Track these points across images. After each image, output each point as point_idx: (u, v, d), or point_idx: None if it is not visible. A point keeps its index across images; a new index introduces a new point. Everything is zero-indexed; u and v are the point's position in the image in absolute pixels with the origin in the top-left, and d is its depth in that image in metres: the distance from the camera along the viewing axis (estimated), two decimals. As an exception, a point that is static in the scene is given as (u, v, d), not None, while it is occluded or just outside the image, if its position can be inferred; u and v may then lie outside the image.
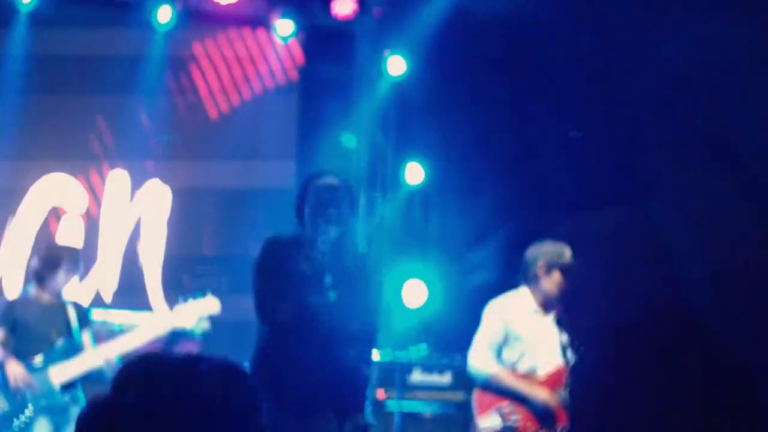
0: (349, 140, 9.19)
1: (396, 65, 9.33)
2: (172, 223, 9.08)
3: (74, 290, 7.09)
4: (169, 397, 1.42)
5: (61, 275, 6.56)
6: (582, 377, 1.41)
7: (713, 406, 1.32)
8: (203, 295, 6.82)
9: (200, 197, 9.20)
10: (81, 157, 8.95)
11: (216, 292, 6.88)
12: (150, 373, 1.47)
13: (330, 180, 4.78)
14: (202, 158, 9.26)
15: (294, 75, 9.48)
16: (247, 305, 7.67)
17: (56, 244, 7.13)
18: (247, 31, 9.44)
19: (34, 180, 8.80)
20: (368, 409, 4.78)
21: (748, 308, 7.31)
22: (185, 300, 6.80)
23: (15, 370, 6.35)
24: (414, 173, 9.35)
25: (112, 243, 8.95)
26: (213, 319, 6.97)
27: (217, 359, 1.51)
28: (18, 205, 8.76)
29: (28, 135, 8.84)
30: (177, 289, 8.44)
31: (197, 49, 9.34)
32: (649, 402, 1.32)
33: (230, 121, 9.38)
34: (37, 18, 8.70)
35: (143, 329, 6.75)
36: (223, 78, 9.42)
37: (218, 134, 9.35)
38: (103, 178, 8.99)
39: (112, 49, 9.00)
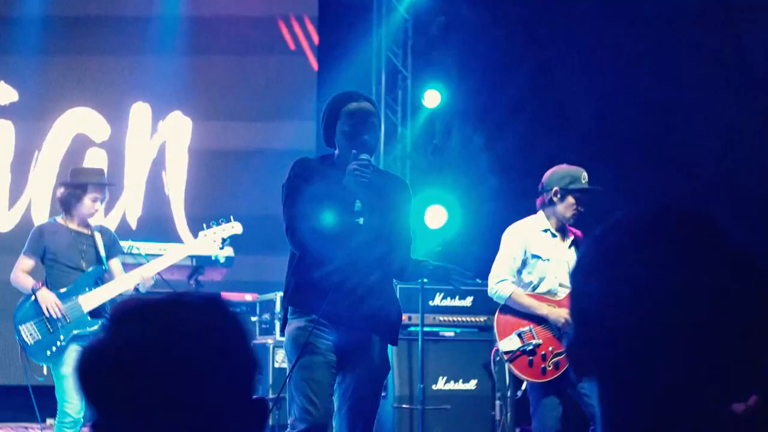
0: None
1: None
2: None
3: (101, 220, 7.17)
4: (160, 327, 1.51)
5: (87, 199, 6.50)
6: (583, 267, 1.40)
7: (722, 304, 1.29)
8: (227, 220, 6.91)
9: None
10: (104, 94, 9.05)
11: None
12: (141, 308, 1.56)
13: (363, 104, 4.67)
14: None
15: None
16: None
17: (80, 168, 7.01)
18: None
19: (60, 111, 8.93)
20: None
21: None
22: (209, 226, 6.90)
23: (48, 298, 6.36)
24: (432, 97, 9.35)
25: (136, 174, 9.06)
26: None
27: (202, 293, 1.61)
28: (44, 138, 8.91)
29: (51, 91, 8.97)
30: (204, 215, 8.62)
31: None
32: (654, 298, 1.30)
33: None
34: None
35: (168, 254, 6.82)
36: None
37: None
38: (125, 111, 9.09)
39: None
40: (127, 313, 1.56)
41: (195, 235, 7.07)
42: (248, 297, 7.93)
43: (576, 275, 1.40)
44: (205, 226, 6.91)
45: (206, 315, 1.56)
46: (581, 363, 1.37)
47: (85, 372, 1.53)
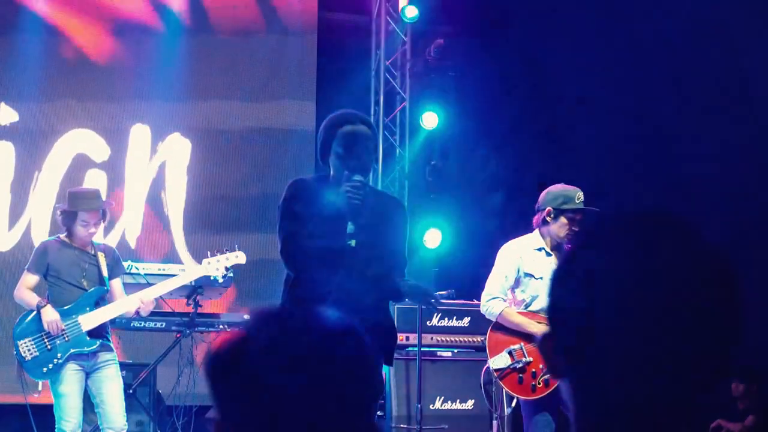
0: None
1: (410, 11, 9.41)
2: (194, 165, 9.23)
3: (102, 241, 7.19)
4: (294, 335, 1.56)
5: (79, 223, 6.51)
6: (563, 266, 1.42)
7: (690, 308, 1.29)
8: (232, 250, 6.94)
9: (221, 138, 9.33)
10: (104, 115, 9.12)
11: (239, 230, 7.01)
12: (279, 315, 1.62)
13: (357, 126, 4.62)
14: (221, 99, 9.37)
15: (312, 20, 9.58)
16: (269, 243, 7.78)
17: (75, 191, 6.92)
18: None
19: (60, 133, 9.00)
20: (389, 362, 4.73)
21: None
22: (214, 254, 6.93)
23: (51, 317, 6.39)
24: (430, 119, 9.43)
25: (135, 194, 9.12)
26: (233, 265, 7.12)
27: (339, 317, 1.68)
28: (44, 159, 8.97)
29: (51, 113, 9.06)
30: (202, 234, 8.68)
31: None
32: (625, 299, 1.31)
33: (250, 62, 9.47)
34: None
35: (170, 280, 6.85)
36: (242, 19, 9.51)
37: (238, 75, 9.44)
38: (125, 133, 9.17)
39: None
40: (267, 319, 1.60)
41: (195, 256, 7.12)
42: (246, 316, 7.95)
43: (551, 279, 1.42)
44: (209, 253, 6.95)
45: (342, 336, 1.61)
46: (554, 364, 1.39)
47: (214, 366, 1.57)
